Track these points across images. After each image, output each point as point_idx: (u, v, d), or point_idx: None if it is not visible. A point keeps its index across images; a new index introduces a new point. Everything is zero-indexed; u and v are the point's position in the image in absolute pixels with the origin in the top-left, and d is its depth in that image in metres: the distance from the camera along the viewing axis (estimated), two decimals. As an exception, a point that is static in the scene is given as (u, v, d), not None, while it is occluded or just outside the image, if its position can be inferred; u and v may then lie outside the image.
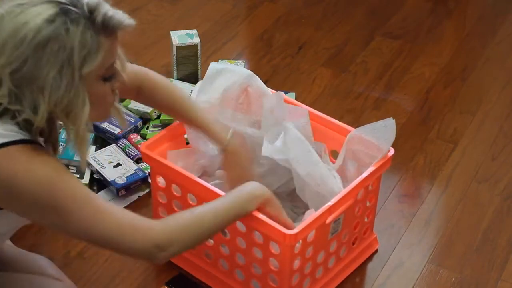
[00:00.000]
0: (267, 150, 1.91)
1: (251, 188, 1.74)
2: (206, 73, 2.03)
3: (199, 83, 2.04)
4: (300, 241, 1.78)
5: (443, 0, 3.07)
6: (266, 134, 1.97)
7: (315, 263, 1.89)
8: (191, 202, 1.89)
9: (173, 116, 2.02)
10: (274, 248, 1.79)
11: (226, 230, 1.84)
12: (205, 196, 1.83)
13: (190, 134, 2.01)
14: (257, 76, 2.06)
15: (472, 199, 2.25)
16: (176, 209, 1.93)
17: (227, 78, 2.02)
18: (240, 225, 1.82)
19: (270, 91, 2.06)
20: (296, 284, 1.85)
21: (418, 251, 2.10)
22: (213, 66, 2.03)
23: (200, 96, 2.01)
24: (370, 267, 2.05)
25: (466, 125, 2.50)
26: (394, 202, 2.24)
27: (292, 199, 2.06)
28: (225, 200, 1.71)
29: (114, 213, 1.55)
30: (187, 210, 1.69)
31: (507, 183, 2.30)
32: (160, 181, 1.94)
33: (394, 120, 1.94)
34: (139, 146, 2.29)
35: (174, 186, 1.91)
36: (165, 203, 1.96)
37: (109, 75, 1.55)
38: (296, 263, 1.81)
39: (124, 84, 1.61)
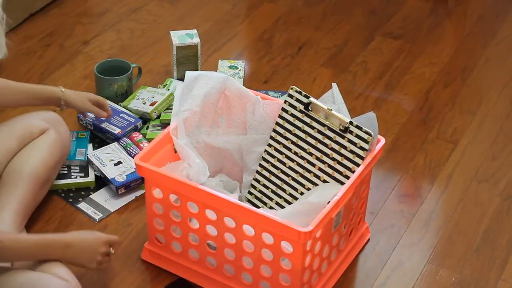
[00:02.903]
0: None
1: None
2: (184, 82, 2.04)
3: (177, 93, 2.04)
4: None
5: (443, 0, 3.07)
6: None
7: (322, 258, 1.90)
8: (191, 211, 1.89)
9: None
10: (286, 248, 1.80)
11: (232, 235, 1.85)
12: (208, 202, 1.83)
13: (177, 145, 2.00)
14: (232, 78, 2.08)
15: (472, 199, 2.25)
16: (174, 219, 1.93)
17: (205, 84, 2.05)
18: (248, 228, 1.83)
19: (248, 90, 2.08)
20: (306, 281, 1.86)
21: (418, 251, 2.10)
22: (189, 74, 2.05)
23: (182, 105, 2.02)
24: (370, 267, 2.05)
25: (466, 125, 2.50)
26: (394, 202, 2.24)
27: None
28: None
29: None
30: None
31: (507, 183, 2.30)
32: (156, 192, 1.93)
33: (374, 114, 1.95)
34: (141, 144, 2.30)
35: (172, 196, 1.90)
36: (161, 214, 1.95)
37: None
38: (307, 260, 1.83)
39: None
